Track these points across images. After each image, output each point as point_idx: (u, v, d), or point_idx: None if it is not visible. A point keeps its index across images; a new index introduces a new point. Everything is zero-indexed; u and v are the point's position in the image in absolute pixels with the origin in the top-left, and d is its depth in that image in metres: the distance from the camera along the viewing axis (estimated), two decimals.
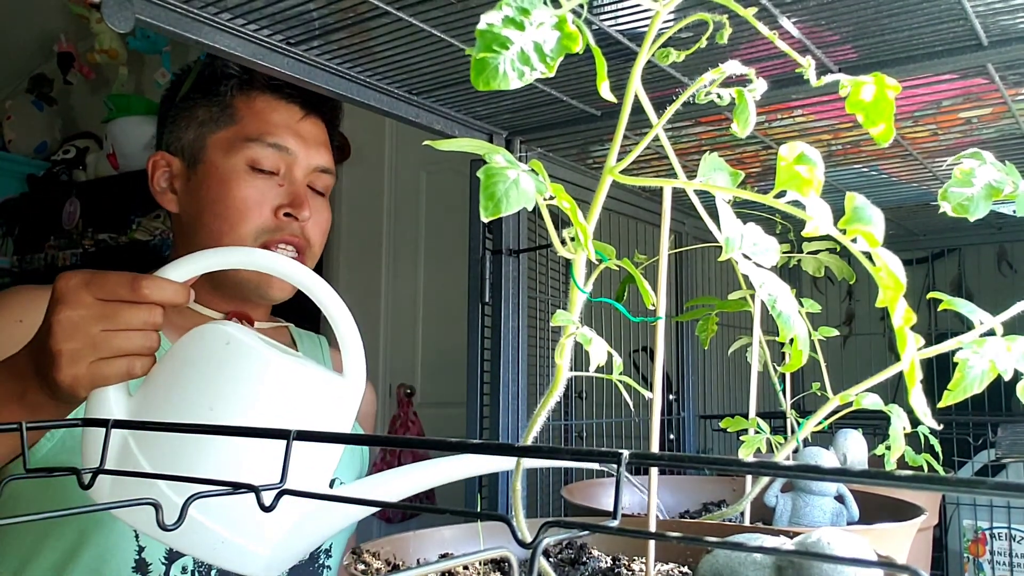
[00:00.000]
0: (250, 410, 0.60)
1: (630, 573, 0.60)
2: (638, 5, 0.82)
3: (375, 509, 0.67)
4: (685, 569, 0.60)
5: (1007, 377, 0.48)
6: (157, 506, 0.42)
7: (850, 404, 0.65)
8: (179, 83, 1.15)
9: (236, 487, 0.40)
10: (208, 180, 1.07)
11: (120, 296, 0.68)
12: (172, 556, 0.96)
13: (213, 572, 0.98)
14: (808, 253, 0.88)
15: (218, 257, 0.69)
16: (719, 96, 0.45)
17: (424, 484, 0.64)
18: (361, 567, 0.57)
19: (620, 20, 0.86)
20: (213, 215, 1.05)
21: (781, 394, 0.86)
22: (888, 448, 0.64)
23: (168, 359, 0.65)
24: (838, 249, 0.85)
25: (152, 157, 1.12)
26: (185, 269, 0.68)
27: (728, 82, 0.45)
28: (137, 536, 0.94)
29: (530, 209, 0.39)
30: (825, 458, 0.82)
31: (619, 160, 0.43)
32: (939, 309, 0.52)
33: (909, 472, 0.27)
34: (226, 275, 1.06)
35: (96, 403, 0.66)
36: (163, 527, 0.41)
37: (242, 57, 0.86)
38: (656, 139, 0.44)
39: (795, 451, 0.79)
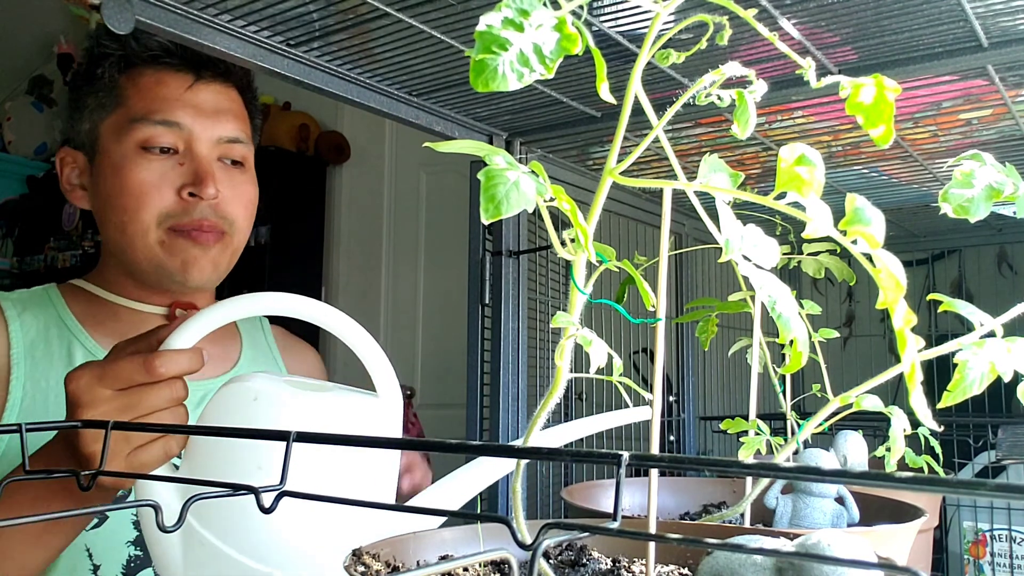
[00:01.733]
0: (299, 458, 0.60)
1: (630, 575, 0.60)
2: (638, 6, 0.82)
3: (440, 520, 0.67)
4: (685, 571, 0.60)
5: (1007, 378, 0.47)
6: (157, 508, 0.42)
7: (850, 406, 0.65)
8: (78, 73, 1.07)
9: (236, 488, 0.41)
10: (105, 170, 1.01)
11: (137, 381, 0.67)
12: (130, 570, 0.94)
13: None
14: (808, 254, 0.88)
15: (223, 311, 0.67)
16: (719, 97, 0.45)
17: (457, 500, 0.64)
18: (361, 568, 0.56)
19: (620, 21, 0.86)
20: (113, 207, 1.00)
21: (781, 396, 0.86)
22: (888, 450, 0.64)
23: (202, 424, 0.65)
24: (838, 250, 0.85)
25: (58, 154, 1.07)
26: (191, 332, 0.67)
27: (728, 83, 0.45)
28: (91, 555, 0.92)
29: (530, 211, 0.39)
30: (825, 460, 0.82)
31: (619, 161, 0.43)
32: (939, 311, 0.52)
33: (909, 474, 0.27)
34: (143, 269, 1.01)
35: (144, 490, 0.65)
36: (162, 528, 0.41)
37: (242, 59, 0.86)
38: (656, 140, 0.44)
39: (795, 453, 0.79)
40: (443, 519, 0.63)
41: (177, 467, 0.68)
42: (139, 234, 0.99)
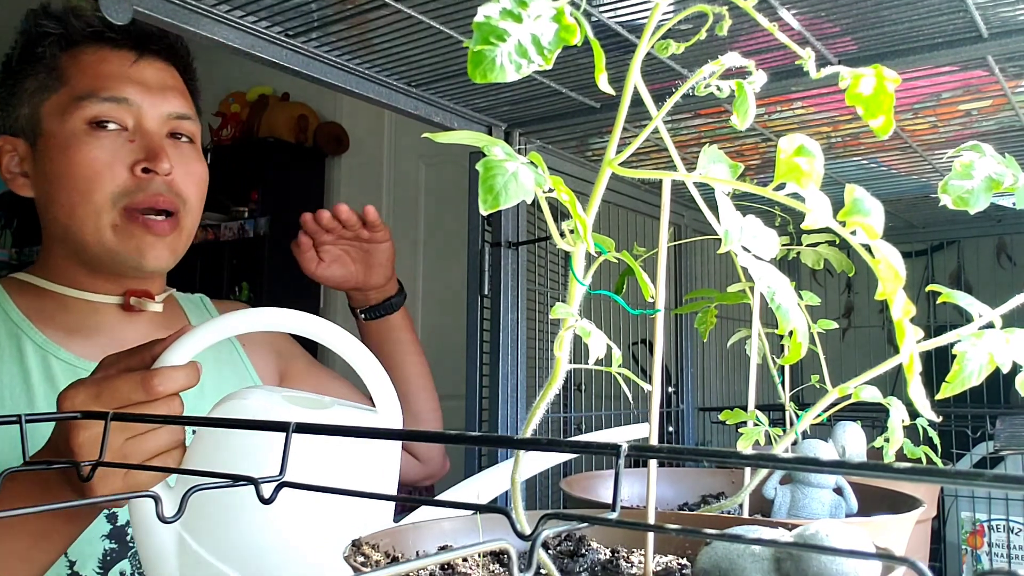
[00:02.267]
0: (300, 476, 0.60)
1: (629, 565, 0.60)
2: None
3: None
4: (684, 561, 0.60)
5: (1005, 370, 0.48)
6: (157, 499, 0.42)
7: (849, 397, 0.65)
8: (10, 57, 1.03)
9: (236, 479, 0.41)
10: (51, 152, 0.96)
11: (134, 400, 0.66)
12: (107, 564, 0.93)
13: None
14: (807, 246, 0.88)
15: (220, 327, 0.66)
16: (719, 88, 0.45)
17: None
18: (360, 559, 0.57)
19: (619, 12, 0.85)
20: (62, 188, 0.95)
21: (780, 387, 0.86)
22: (887, 440, 0.64)
23: (200, 444, 0.64)
24: (837, 241, 0.85)
25: None
26: (187, 348, 0.66)
27: (728, 74, 0.44)
28: (66, 553, 0.90)
29: (529, 202, 0.39)
30: (824, 450, 0.82)
31: (618, 152, 0.43)
32: (938, 302, 0.52)
33: (907, 464, 0.27)
34: (96, 255, 0.98)
35: (141, 508, 0.65)
36: (162, 519, 0.41)
37: (241, 49, 0.86)
38: (655, 131, 0.44)
39: (794, 443, 0.79)
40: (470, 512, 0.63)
41: (171, 486, 0.68)
42: (91, 216, 0.95)
